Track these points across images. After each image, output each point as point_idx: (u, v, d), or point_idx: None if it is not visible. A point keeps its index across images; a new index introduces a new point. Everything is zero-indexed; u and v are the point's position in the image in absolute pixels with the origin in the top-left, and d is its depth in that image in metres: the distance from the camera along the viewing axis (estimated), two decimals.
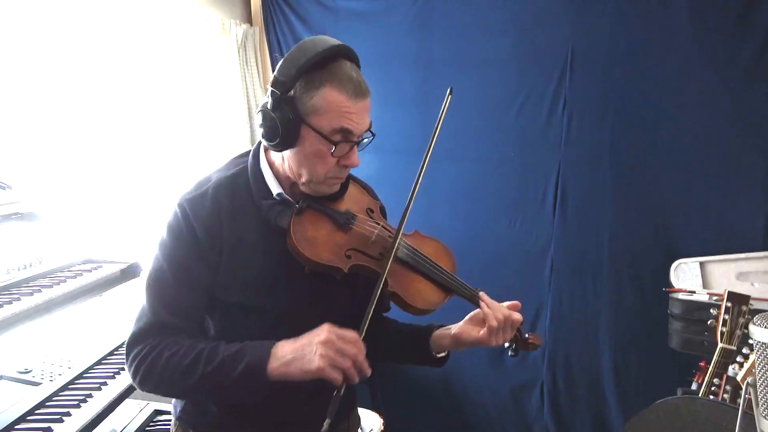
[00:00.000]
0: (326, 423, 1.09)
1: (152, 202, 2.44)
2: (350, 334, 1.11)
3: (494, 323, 1.23)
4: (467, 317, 1.30)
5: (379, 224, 1.29)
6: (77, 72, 2.15)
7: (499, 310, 1.25)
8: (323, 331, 1.10)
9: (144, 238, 2.22)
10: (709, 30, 2.44)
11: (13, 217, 1.65)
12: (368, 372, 1.11)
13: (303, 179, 1.20)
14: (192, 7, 2.69)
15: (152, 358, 1.14)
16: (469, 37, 2.80)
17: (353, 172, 1.42)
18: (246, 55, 3.00)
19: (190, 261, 1.19)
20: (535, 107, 2.74)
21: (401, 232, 1.24)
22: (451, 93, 1.30)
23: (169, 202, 1.27)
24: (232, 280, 1.20)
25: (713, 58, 2.45)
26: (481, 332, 1.25)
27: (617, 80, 2.60)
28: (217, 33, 2.82)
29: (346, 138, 1.16)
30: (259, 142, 1.28)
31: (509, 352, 1.36)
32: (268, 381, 1.11)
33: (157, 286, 1.20)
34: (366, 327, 1.15)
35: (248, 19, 3.16)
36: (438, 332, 1.33)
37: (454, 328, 1.31)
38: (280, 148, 1.18)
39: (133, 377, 1.17)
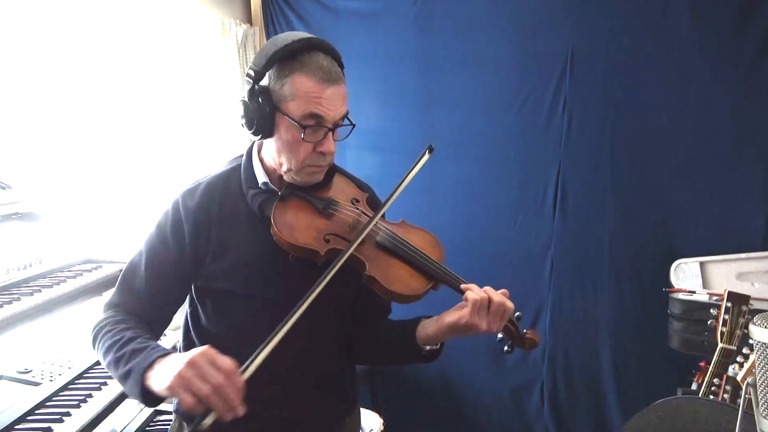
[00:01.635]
0: None
1: (152, 202, 2.44)
2: (225, 362, 1.01)
3: (477, 297, 1.18)
4: (456, 305, 1.24)
5: (359, 210, 1.30)
6: (77, 72, 2.15)
7: (484, 290, 1.20)
8: (195, 352, 1.02)
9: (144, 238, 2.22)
10: (709, 30, 2.44)
11: (13, 217, 1.65)
12: (236, 407, 0.99)
13: (284, 168, 1.24)
14: (192, 7, 2.69)
15: (97, 330, 1.22)
16: (469, 37, 2.80)
17: (351, 169, 1.44)
18: (246, 55, 3.00)
19: (165, 263, 1.26)
20: (535, 107, 2.74)
21: (380, 214, 1.26)
22: (430, 152, 1.31)
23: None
24: (221, 268, 1.25)
25: (713, 58, 2.45)
26: (463, 310, 1.19)
27: (617, 80, 2.60)
28: (217, 33, 2.82)
29: (319, 123, 1.19)
30: (254, 142, 1.34)
31: (505, 348, 1.29)
32: (146, 388, 1.07)
33: (130, 275, 1.28)
34: (286, 329, 1.08)
35: (248, 19, 3.16)
36: (424, 322, 1.29)
37: (438, 317, 1.27)
38: (258, 136, 1.23)
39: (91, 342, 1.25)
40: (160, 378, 1.04)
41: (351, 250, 1.19)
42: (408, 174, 1.29)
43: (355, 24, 2.97)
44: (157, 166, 2.54)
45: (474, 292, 1.19)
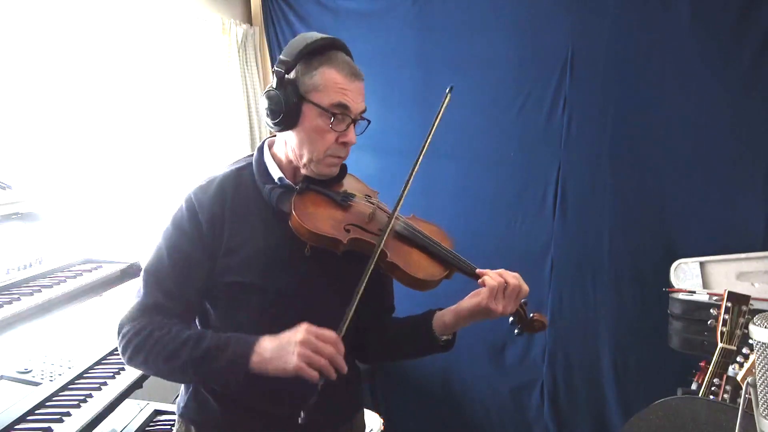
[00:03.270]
0: (302, 414, 1.11)
1: (152, 202, 2.43)
2: (328, 333, 1.14)
3: (494, 283, 1.24)
4: (472, 293, 1.30)
5: (374, 203, 1.36)
6: (78, 72, 2.15)
7: (499, 274, 1.26)
8: (301, 331, 1.13)
9: (144, 238, 2.22)
10: (709, 30, 2.44)
11: (13, 217, 1.65)
12: (344, 369, 1.14)
13: (304, 159, 1.28)
14: (192, 7, 2.69)
15: (143, 337, 1.20)
16: (469, 37, 2.80)
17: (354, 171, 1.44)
18: (246, 55, 3.01)
19: (189, 250, 1.26)
20: (535, 107, 2.74)
21: (399, 206, 1.30)
22: (450, 91, 1.35)
23: (168, 201, 1.31)
24: (233, 262, 1.26)
25: (713, 58, 2.45)
26: (481, 295, 1.25)
27: (617, 80, 2.60)
28: (217, 33, 2.82)
29: (344, 113, 1.25)
30: (264, 140, 1.37)
31: (515, 330, 1.35)
32: (248, 373, 1.16)
33: (155, 272, 1.27)
34: (353, 309, 1.18)
35: (248, 19, 3.16)
36: (439, 312, 1.34)
37: (456, 305, 1.32)
38: (282, 126, 1.26)
39: (123, 353, 1.24)
40: (276, 362, 1.13)
41: (385, 237, 1.23)
42: (435, 120, 1.33)
43: (355, 24, 2.97)
44: (157, 166, 2.54)
45: (491, 278, 1.25)
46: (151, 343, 1.19)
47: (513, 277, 1.26)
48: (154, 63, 2.49)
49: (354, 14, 2.99)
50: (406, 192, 1.31)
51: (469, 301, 1.28)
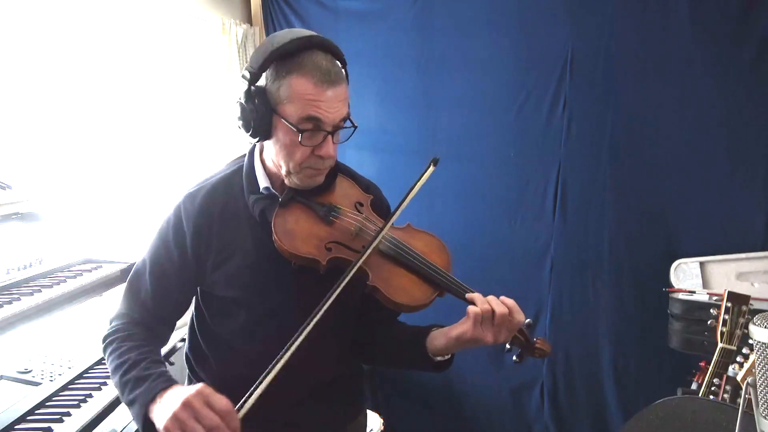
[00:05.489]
0: None
1: (152, 202, 2.44)
2: (222, 402, 1.02)
3: (478, 311, 1.14)
4: (464, 317, 1.21)
5: (362, 216, 1.26)
6: (78, 72, 2.15)
7: (487, 301, 1.16)
8: (191, 392, 1.02)
9: (144, 238, 2.22)
10: (709, 30, 2.44)
11: (13, 217, 1.65)
12: None
13: (282, 171, 1.21)
14: (192, 7, 2.69)
15: (106, 343, 1.24)
16: (469, 38, 2.80)
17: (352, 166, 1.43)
18: (246, 55, 3.00)
19: (169, 266, 1.25)
20: (535, 107, 2.74)
21: (386, 228, 1.21)
22: (435, 164, 1.27)
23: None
24: (223, 275, 1.24)
25: (713, 59, 2.45)
26: (466, 324, 1.16)
27: (617, 80, 2.60)
28: (217, 33, 2.82)
29: (317, 127, 1.14)
30: (255, 142, 1.30)
31: (513, 357, 1.27)
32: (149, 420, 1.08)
33: (135, 283, 1.28)
34: (282, 362, 1.07)
35: (248, 19, 3.16)
36: (434, 332, 1.26)
37: (450, 326, 1.24)
38: (256, 138, 1.20)
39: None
40: (158, 416, 1.05)
41: (354, 269, 1.15)
42: (413, 188, 1.25)
43: (355, 24, 2.97)
44: (157, 165, 2.54)
45: (476, 306, 1.16)
46: (108, 352, 1.22)
47: (501, 306, 1.15)
48: (155, 63, 2.49)
49: (354, 14, 2.98)
50: (395, 217, 1.22)
51: (456, 328, 1.19)
